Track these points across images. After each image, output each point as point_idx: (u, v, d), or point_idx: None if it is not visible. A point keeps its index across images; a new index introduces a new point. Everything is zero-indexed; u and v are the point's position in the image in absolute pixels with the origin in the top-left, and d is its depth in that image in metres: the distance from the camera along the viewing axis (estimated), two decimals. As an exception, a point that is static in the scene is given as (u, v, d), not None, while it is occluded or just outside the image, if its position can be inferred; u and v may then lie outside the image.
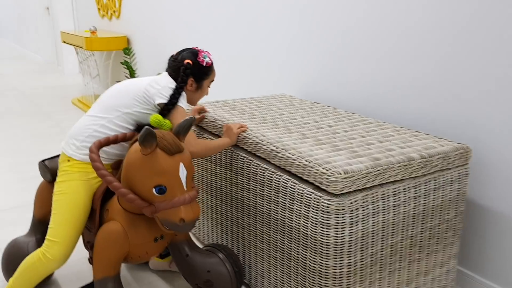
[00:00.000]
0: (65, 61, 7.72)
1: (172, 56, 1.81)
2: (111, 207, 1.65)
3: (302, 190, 1.47)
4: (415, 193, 1.58)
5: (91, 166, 1.57)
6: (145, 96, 1.68)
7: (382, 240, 1.52)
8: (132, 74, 4.76)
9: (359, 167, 1.40)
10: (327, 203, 1.38)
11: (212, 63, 1.81)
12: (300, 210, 1.49)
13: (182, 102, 1.71)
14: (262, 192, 1.68)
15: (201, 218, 2.19)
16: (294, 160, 1.50)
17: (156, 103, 1.67)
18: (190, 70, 1.73)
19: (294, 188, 1.51)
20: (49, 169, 1.82)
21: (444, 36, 1.84)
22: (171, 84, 1.71)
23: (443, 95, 1.88)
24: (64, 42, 5.58)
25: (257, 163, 1.70)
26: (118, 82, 1.83)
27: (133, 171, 1.47)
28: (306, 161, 1.46)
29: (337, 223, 1.39)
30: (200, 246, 2.26)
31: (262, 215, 1.71)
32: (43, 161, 1.89)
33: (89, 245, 1.80)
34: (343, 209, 1.38)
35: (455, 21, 1.80)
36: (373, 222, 1.47)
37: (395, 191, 1.51)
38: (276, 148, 1.60)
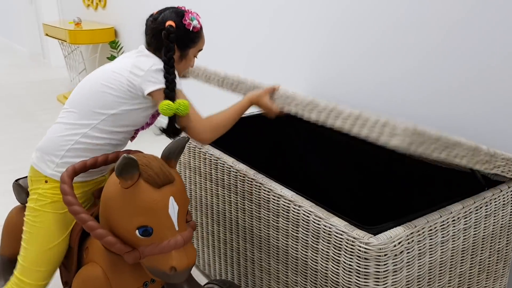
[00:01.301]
0: (51, 53, 7.33)
1: (151, 16, 1.42)
2: (91, 245, 1.35)
3: (330, 228, 1.18)
4: (465, 224, 1.29)
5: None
6: (130, 90, 1.32)
7: (429, 285, 1.23)
8: (120, 69, 4.41)
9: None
10: (365, 248, 1.09)
11: (201, 28, 1.42)
12: (327, 252, 1.20)
13: (180, 83, 1.34)
14: (277, 223, 1.38)
15: (203, 246, 1.89)
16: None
17: (147, 93, 1.31)
18: (174, 34, 1.34)
19: (318, 224, 1.21)
20: (25, 190, 1.52)
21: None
22: (157, 64, 1.33)
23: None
24: (47, 35, 5.21)
25: (269, 188, 1.40)
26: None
27: (111, 208, 1.17)
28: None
29: (378, 271, 1.10)
30: (204, 280, 1.97)
31: (277, 251, 1.41)
32: (17, 180, 1.59)
33: (67, 287, 1.50)
34: (385, 255, 1.09)
35: None
36: (419, 266, 1.18)
37: (443, 224, 1.22)
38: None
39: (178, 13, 1.38)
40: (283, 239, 1.37)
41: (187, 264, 1.15)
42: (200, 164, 1.75)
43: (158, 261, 1.15)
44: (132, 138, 1.49)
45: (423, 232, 1.17)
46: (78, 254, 1.40)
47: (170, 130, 1.37)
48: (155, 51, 1.38)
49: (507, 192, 1.39)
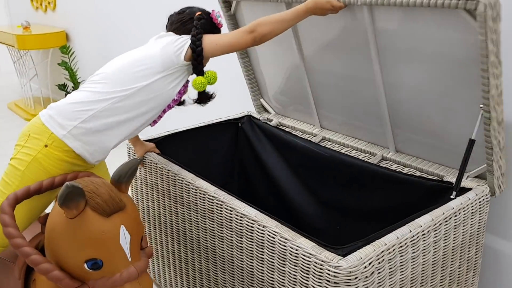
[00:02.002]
0: (0, 58, 6.97)
1: (174, 12, 1.54)
2: (38, 277, 1.23)
3: (297, 250, 1.11)
4: (435, 236, 1.24)
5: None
6: (164, 61, 1.38)
7: (400, 303, 1.18)
8: (72, 77, 4.20)
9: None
10: (334, 272, 1.02)
11: (221, 27, 1.55)
12: (295, 275, 1.13)
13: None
14: (241, 244, 1.30)
15: (163, 266, 1.79)
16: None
17: (182, 57, 1.39)
18: (204, 20, 1.46)
19: (284, 246, 1.14)
20: None
21: None
22: (185, 37, 1.43)
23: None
24: (-6, 40, 4.93)
25: (231, 207, 1.31)
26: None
27: (57, 240, 1.07)
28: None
29: (348, 296, 1.03)
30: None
31: (242, 273, 1.33)
32: None
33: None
34: (356, 277, 1.03)
35: None
36: (390, 285, 1.13)
37: (413, 239, 1.17)
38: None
39: (205, 10, 1.52)
40: (247, 261, 1.29)
41: (143, 296, 1.06)
42: (157, 180, 1.64)
43: (110, 296, 1.05)
44: (154, 122, 1.52)
45: (393, 250, 1.12)
46: (25, 287, 1.28)
47: (203, 99, 1.55)
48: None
49: (475, 200, 1.35)
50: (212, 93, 1.56)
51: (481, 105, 1.26)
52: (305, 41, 1.75)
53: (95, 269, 1.04)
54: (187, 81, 1.51)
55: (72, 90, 4.27)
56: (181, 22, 1.49)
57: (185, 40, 1.41)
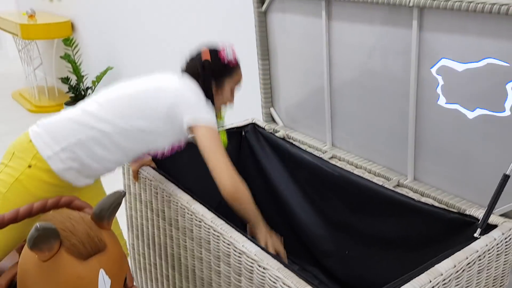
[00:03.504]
0: (8, 43, 6.87)
1: (189, 57, 1.49)
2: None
3: (300, 301, 0.97)
4: (457, 285, 1.10)
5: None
6: (169, 114, 1.30)
7: None
8: (76, 70, 4.06)
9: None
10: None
11: (237, 64, 1.47)
12: (297, 328, 1.00)
13: (211, 115, 1.33)
14: (239, 282, 1.17)
15: (156, 287, 1.67)
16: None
17: (187, 126, 1.30)
18: (209, 67, 1.40)
19: (287, 294, 1.01)
20: None
21: None
22: (201, 97, 1.36)
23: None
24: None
25: (228, 241, 1.18)
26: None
27: (28, 283, 0.94)
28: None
29: None
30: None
31: (240, 312, 1.20)
32: None
33: None
34: None
35: None
36: None
37: (433, 289, 1.04)
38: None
39: (213, 49, 1.44)
40: (246, 302, 1.16)
41: None
42: (151, 199, 1.52)
43: None
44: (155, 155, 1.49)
45: (411, 302, 0.98)
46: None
47: None
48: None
49: (501, 240, 1.21)
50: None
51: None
52: (335, 52, 1.64)
53: (71, 319, 0.92)
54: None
55: (76, 84, 4.14)
56: (191, 69, 1.44)
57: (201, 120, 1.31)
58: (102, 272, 0.93)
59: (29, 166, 1.22)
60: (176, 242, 1.43)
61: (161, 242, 1.54)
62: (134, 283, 1.34)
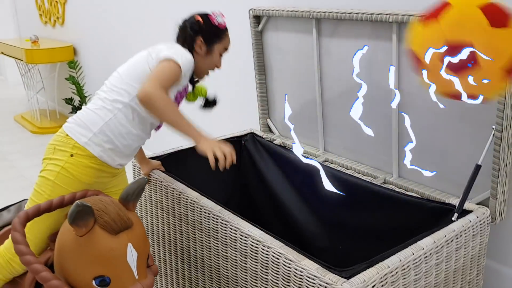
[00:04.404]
0: (8, 70, 7.05)
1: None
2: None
3: (301, 272, 1.13)
4: (437, 259, 1.26)
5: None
6: (147, 69, 1.42)
7: (403, 326, 1.19)
8: (79, 91, 4.26)
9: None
10: (338, 294, 1.04)
11: (226, 28, 1.57)
12: (298, 296, 1.15)
13: (180, 57, 1.41)
14: (245, 264, 1.32)
15: (167, 284, 1.80)
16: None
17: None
18: (198, 27, 1.51)
19: (289, 267, 1.16)
20: None
21: None
22: (174, 45, 1.51)
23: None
24: (3, 53, 5.01)
25: (235, 227, 1.34)
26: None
27: (66, 256, 1.10)
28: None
29: (351, 318, 1.05)
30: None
31: (246, 292, 1.35)
32: None
33: None
34: (358, 300, 1.05)
35: None
36: (393, 307, 1.15)
37: (416, 262, 1.19)
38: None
39: (205, 13, 1.55)
40: (252, 281, 1.31)
41: (149, 314, 1.08)
42: (162, 198, 1.67)
43: (117, 313, 1.07)
44: (158, 127, 1.57)
45: (396, 273, 1.14)
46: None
47: (207, 105, 1.68)
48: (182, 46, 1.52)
49: (476, 222, 1.37)
50: (214, 99, 1.67)
51: (493, 126, 1.28)
52: (325, 66, 1.81)
53: (103, 286, 1.08)
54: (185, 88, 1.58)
55: (79, 104, 4.32)
56: (181, 31, 1.55)
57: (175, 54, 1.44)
58: (130, 246, 1.08)
59: (71, 155, 1.40)
60: (185, 236, 1.58)
61: (170, 238, 1.68)
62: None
